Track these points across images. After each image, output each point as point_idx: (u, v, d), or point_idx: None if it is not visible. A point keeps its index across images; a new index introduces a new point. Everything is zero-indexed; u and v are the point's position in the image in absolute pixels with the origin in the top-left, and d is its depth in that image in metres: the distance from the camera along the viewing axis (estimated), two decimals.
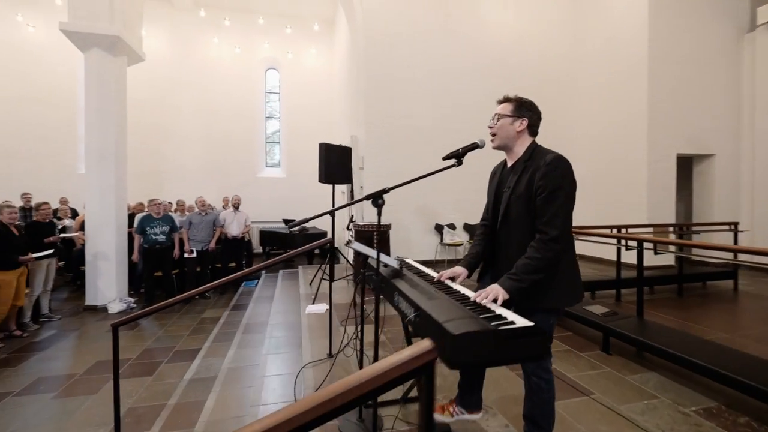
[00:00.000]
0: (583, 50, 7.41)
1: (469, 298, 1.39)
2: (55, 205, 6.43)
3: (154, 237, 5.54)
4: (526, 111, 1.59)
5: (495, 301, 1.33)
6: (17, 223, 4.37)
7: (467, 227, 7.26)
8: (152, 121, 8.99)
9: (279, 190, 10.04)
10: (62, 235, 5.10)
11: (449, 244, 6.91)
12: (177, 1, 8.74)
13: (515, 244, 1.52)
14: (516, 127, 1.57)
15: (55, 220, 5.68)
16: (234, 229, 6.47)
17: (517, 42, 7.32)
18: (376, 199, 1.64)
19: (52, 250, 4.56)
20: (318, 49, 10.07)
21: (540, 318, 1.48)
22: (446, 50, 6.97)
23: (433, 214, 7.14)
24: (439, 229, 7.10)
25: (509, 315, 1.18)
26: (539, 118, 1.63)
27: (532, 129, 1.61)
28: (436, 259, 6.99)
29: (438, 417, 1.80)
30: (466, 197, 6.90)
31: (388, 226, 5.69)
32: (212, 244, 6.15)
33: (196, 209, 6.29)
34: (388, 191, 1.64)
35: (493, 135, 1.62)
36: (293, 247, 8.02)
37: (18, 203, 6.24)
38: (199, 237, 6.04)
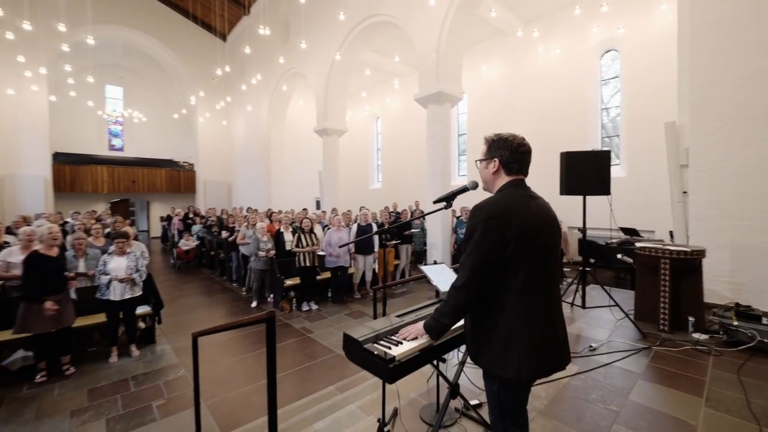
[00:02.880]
0: None
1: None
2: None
3: (461, 236, 7.43)
4: (496, 150, 1.52)
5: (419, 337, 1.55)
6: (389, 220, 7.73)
7: None
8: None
9: (617, 193, 9.01)
10: (413, 230, 8.16)
11: None
12: (506, 29, 10.28)
13: None
14: (490, 169, 1.54)
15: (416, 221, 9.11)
16: None
17: None
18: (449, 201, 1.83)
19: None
20: (670, 4, 7.90)
21: (486, 381, 1.46)
22: None
23: None
24: None
25: (404, 346, 1.46)
26: (514, 153, 1.48)
27: (508, 167, 1.50)
28: None
29: None
30: None
31: (701, 252, 4.01)
32: None
33: None
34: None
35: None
36: (610, 260, 7.21)
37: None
38: None
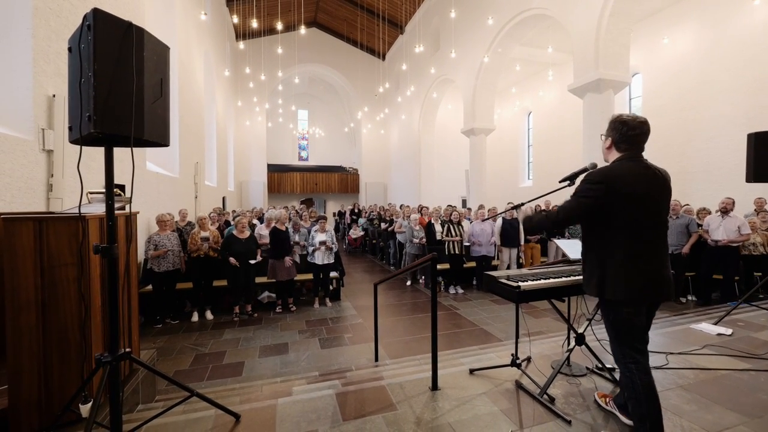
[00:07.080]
0: None
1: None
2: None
3: None
4: (610, 130, 1.85)
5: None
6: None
7: None
8: (676, 121, 9.44)
9: None
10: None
11: None
12: None
13: None
14: (605, 145, 1.91)
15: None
16: (719, 235, 5.98)
17: None
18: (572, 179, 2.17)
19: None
20: None
21: (602, 312, 1.85)
22: None
23: None
24: None
25: (528, 283, 2.04)
26: (624, 134, 1.78)
27: (618, 146, 1.83)
28: None
29: (598, 399, 2.22)
30: None
31: None
32: (685, 249, 6.20)
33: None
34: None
35: None
36: None
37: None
38: (671, 240, 6.34)
